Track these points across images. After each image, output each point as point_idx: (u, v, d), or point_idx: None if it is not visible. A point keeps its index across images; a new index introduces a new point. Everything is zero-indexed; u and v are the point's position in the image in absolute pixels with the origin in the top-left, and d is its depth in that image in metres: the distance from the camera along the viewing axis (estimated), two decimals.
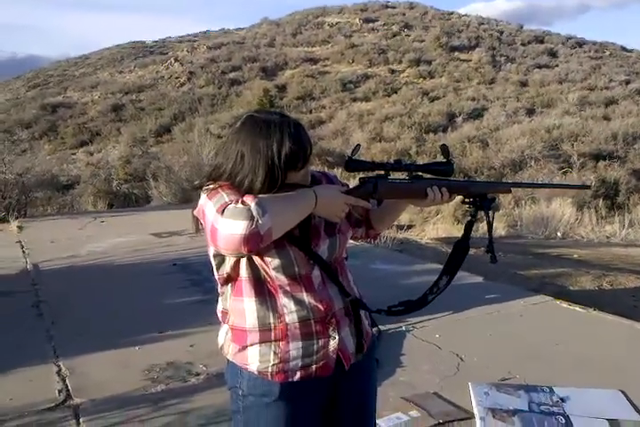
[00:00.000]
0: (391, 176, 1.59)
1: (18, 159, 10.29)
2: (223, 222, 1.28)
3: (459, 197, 1.66)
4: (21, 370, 3.19)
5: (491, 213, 1.62)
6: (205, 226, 1.36)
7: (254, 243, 1.28)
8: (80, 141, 27.64)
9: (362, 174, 1.62)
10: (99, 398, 2.87)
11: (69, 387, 3.00)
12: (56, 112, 31.58)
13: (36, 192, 9.57)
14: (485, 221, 1.65)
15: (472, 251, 5.08)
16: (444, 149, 1.61)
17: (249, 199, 1.30)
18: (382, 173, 1.58)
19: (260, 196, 1.33)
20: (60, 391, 2.96)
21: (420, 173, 1.61)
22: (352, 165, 1.55)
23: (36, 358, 3.33)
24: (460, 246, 1.65)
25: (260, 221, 1.27)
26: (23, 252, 6.16)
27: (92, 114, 31.14)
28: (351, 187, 1.59)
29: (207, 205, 1.36)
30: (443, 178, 1.61)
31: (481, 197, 1.61)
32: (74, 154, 25.58)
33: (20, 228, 7.62)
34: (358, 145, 1.59)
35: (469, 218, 1.63)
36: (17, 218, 8.26)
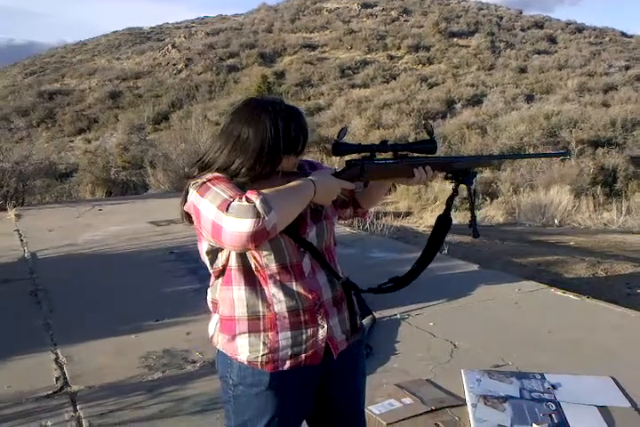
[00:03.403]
0: (377, 157, 1.61)
1: (15, 147, 10.27)
2: (228, 220, 1.27)
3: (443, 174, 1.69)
4: (19, 358, 3.22)
5: (472, 187, 1.66)
6: (202, 223, 1.35)
7: (261, 239, 1.29)
8: (78, 129, 27.54)
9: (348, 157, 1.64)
10: (96, 385, 2.90)
11: (67, 374, 3.03)
12: (53, 99, 31.42)
13: (33, 180, 9.55)
14: (468, 197, 1.69)
15: (468, 239, 5.11)
16: (428, 128, 1.64)
17: (253, 196, 1.29)
18: (368, 154, 1.59)
19: (263, 191, 1.32)
20: (57, 379, 2.99)
21: (406, 153, 1.63)
22: (339, 148, 1.57)
23: (33, 346, 3.36)
24: (442, 220, 1.69)
25: (266, 218, 1.27)
26: (21, 240, 6.17)
27: (90, 101, 30.98)
28: (338, 170, 1.59)
29: (201, 202, 1.34)
30: (427, 156, 1.63)
31: (463, 173, 1.64)
32: (71, 141, 25.52)
33: (17, 216, 7.63)
34: (344, 128, 1.60)
35: (451, 193, 1.67)
36: (15, 206, 8.27)
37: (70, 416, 2.63)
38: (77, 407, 2.70)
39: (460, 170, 1.65)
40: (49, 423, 2.57)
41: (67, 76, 36.64)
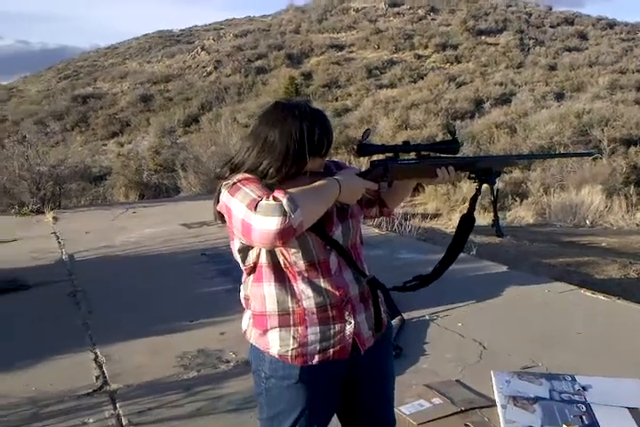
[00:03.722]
0: (401, 158, 1.65)
1: (51, 151, 10.55)
2: (257, 219, 1.34)
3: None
4: (60, 357, 3.34)
5: (495, 187, 1.68)
6: (233, 222, 1.42)
7: (288, 236, 1.36)
8: (111, 132, 28.08)
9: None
10: (134, 384, 3.00)
11: (106, 373, 3.14)
12: (86, 103, 32.06)
13: (69, 183, 9.78)
14: (491, 197, 1.72)
15: (496, 240, 5.10)
16: (451, 128, 1.68)
17: (280, 195, 1.35)
18: (392, 155, 1.64)
19: (290, 190, 1.38)
20: (97, 378, 3.09)
21: (428, 153, 1.66)
22: (363, 149, 1.62)
23: (74, 346, 3.49)
24: (466, 220, 1.73)
25: (292, 216, 1.33)
26: (59, 242, 6.35)
27: (122, 104, 31.55)
28: (363, 170, 1.64)
29: (232, 201, 1.41)
30: (450, 156, 1.66)
31: (486, 173, 1.67)
32: (105, 145, 26.01)
33: (55, 219, 7.84)
34: (368, 129, 1.65)
35: (474, 193, 1.70)
36: (52, 209, 8.48)
37: (110, 414, 2.73)
38: (117, 405, 2.80)
39: (483, 170, 1.67)
40: (90, 420, 2.67)
41: (99, 79, 37.36)
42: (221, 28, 47.38)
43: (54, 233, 6.86)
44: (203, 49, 38.70)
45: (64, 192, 9.53)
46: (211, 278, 4.78)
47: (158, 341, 3.57)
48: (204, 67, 35.90)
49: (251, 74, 32.98)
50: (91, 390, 2.95)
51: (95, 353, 3.41)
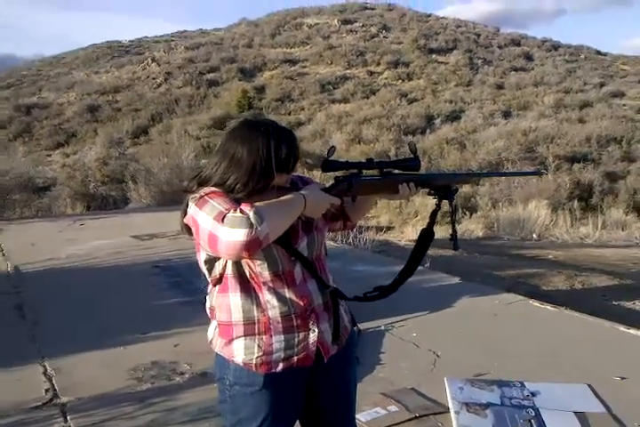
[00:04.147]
0: (364, 174, 1.71)
1: None
2: (224, 230, 1.37)
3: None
4: (7, 370, 3.23)
5: (454, 203, 1.78)
6: (200, 233, 1.45)
7: (254, 248, 1.39)
8: (56, 143, 27.26)
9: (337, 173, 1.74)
10: (85, 396, 2.92)
11: (56, 386, 3.05)
12: (30, 113, 31.10)
13: (13, 194, 9.47)
14: (449, 212, 1.81)
15: (449, 252, 5.22)
16: (412, 147, 1.75)
17: (246, 208, 1.39)
18: (356, 171, 1.70)
19: (257, 204, 1.42)
20: (46, 391, 3.00)
21: (390, 170, 1.73)
22: (328, 165, 1.67)
23: (21, 359, 3.38)
24: (426, 233, 1.81)
25: (258, 228, 1.37)
26: (3, 255, 6.14)
27: (68, 115, 30.72)
28: (327, 186, 1.69)
29: (199, 214, 1.44)
30: (411, 173, 1.73)
31: (445, 189, 1.75)
32: (49, 155, 25.26)
33: None
34: (333, 147, 1.70)
35: (434, 208, 1.78)
36: None
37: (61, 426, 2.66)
38: (68, 418, 2.73)
39: (442, 186, 1.75)
40: None
41: (44, 89, 36.39)
42: (172, 40, 46.97)
43: None
44: (153, 60, 38.22)
45: (8, 203, 9.22)
46: (163, 290, 4.71)
47: (110, 353, 3.49)
48: (154, 78, 35.43)
49: (202, 86, 32.74)
50: (40, 404, 2.86)
51: (44, 366, 3.31)
